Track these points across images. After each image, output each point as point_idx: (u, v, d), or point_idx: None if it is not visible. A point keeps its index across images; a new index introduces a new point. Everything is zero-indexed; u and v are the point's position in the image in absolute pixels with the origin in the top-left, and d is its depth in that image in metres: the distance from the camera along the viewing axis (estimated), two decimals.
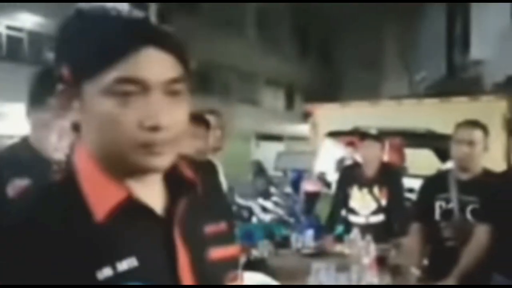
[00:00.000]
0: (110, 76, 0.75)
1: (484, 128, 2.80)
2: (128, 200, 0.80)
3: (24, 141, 1.93)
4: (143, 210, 0.81)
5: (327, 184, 7.07)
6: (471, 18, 11.67)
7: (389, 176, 3.96)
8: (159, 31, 0.78)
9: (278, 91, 26.03)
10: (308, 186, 6.44)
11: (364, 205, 3.89)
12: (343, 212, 4.03)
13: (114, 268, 0.77)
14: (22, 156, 1.89)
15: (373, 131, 4.01)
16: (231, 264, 0.91)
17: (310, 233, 3.73)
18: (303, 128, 14.04)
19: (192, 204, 0.87)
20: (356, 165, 4.15)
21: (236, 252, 0.94)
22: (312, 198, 6.15)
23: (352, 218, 3.91)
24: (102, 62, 0.76)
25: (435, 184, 3.00)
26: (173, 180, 0.87)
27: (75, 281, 0.75)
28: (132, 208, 0.80)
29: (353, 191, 3.93)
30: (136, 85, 0.76)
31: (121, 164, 0.80)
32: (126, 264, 0.78)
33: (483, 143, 2.78)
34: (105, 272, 0.76)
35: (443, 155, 5.92)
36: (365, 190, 3.89)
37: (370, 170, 3.89)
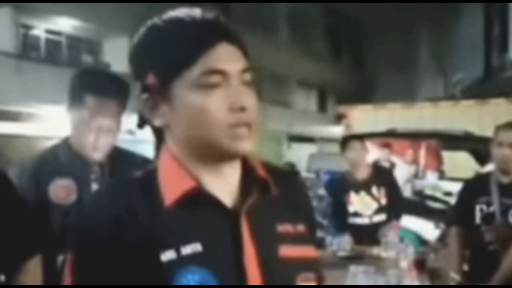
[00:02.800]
0: (196, 71, 0.86)
1: None
2: (197, 190, 0.87)
3: (65, 141, 1.97)
4: (212, 201, 0.88)
5: None
6: (509, 19, 11.39)
7: (384, 176, 4.04)
8: (229, 28, 0.90)
9: (311, 92, 25.93)
10: None
11: (365, 206, 3.91)
12: (345, 218, 4.00)
13: (178, 251, 0.83)
14: (63, 156, 1.93)
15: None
16: (304, 265, 0.93)
17: (346, 235, 3.69)
18: (335, 130, 13.95)
19: (265, 202, 0.92)
20: (347, 173, 4.14)
21: (310, 254, 0.96)
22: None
23: (357, 220, 3.91)
24: (186, 60, 0.86)
25: (475, 187, 2.95)
26: (248, 178, 0.93)
27: (141, 261, 0.83)
28: (201, 198, 0.87)
29: (350, 196, 3.94)
30: (220, 75, 0.86)
31: (208, 152, 0.88)
32: (190, 249, 0.84)
33: None
34: (169, 255, 0.83)
35: (481, 158, 5.80)
36: (362, 193, 3.92)
37: (361, 173, 3.93)
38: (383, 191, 3.91)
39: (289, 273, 0.90)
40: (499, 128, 2.80)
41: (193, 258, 0.83)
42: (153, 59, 0.89)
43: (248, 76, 0.89)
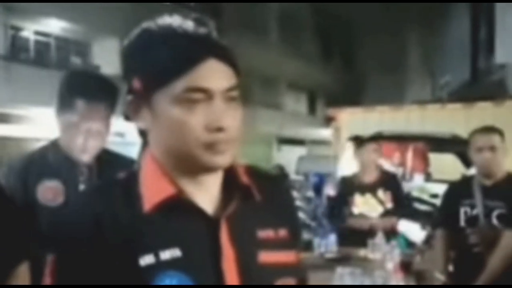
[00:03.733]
0: (179, 85, 0.86)
1: (500, 133, 2.81)
2: (177, 197, 0.89)
3: (54, 143, 1.97)
4: (191, 207, 0.89)
5: None
6: (496, 22, 11.49)
7: (390, 180, 4.06)
8: (219, 45, 0.88)
9: (300, 95, 25.96)
10: (331, 190, 6.41)
11: (370, 208, 3.94)
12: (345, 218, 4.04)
13: (157, 256, 0.84)
14: (51, 158, 1.93)
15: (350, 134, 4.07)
16: (283, 270, 0.94)
17: (333, 237, 3.72)
18: (325, 133, 13.98)
19: (246, 207, 0.94)
20: (354, 175, 4.19)
21: (290, 259, 0.96)
22: (334, 202, 6.12)
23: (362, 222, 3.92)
24: (172, 73, 0.86)
25: (459, 190, 2.99)
26: (230, 185, 0.94)
27: (120, 264, 0.84)
28: (182, 205, 0.89)
29: (355, 198, 3.97)
30: (202, 93, 0.86)
31: (187, 163, 0.89)
32: (169, 254, 0.85)
33: (502, 147, 2.78)
34: (148, 259, 0.84)
35: (468, 160, 5.85)
36: (368, 195, 3.95)
37: (369, 175, 3.94)
38: (389, 195, 3.93)
39: (268, 278, 0.91)
40: (476, 133, 2.84)
41: (171, 263, 0.84)
42: (140, 64, 0.89)
43: (234, 93, 0.90)
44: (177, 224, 0.88)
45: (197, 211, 0.89)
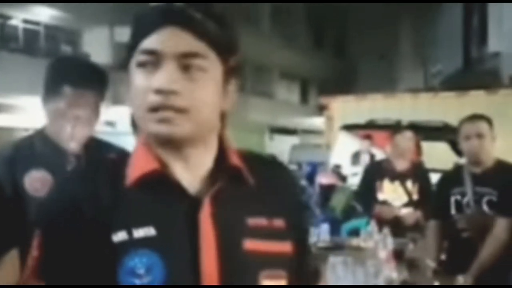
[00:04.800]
0: (138, 51, 0.88)
1: (488, 120, 2.83)
2: (158, 172, 0.87)
3: (41, 132, 1.93)
4: (173, 185, 0.87)
5: (342, 177, 7.05)
6: (489, 11, 11.50)
7: (420, 172, 4.04)
8: (186, 14, 0.87)
9: (293, 84, 25.95)
10: (323, 179, 6.40)
11: (396, 197, 3.92)
12: (369, 206, 4.04)
13: (130, 233, 0.84)
14: (38, 147, 1.89)
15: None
16: (272, 261, 0.90)
17: (325, 226, 3.72)
18: (317, 121, 13.99)
19: (237, 192, 0.91)
20: (385, 160, 4.19)
21: (284, 250, 0.92)
22: (327, 191, 6.12)
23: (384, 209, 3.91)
24: (134, 41, 0.89)
25: (450, 179, 3.01)
26: (219, 166, 0.92)
27: (95, 240, 0.84)
28: (162, 182, 0.87)
29: (384, 184, 3.95)
30: (152, 55, 0.86)
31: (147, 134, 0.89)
32: (142, 232, 0.84)
33: (490, 134, 2.80)
34: (120, 236, 0.83)
35: (459, 149, 5.87)
36: (397, 183, 3.93)
37: (402, 164, 3.91)
38: (417, 186, 3.91)
39: (252, 267, 0.87)
40: (464, 122, 2.87)
41: (144, 241, 0.83)
42: (128, 43, 0.92)
43: (196, 62, 0.87)
44: (156, 202, 0.86)
45: (178, 189, 0.87)
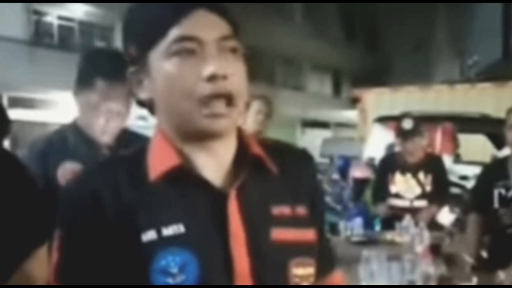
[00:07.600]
0: (170, 38, 0.83)
1: None
2: (182, 168, 0.84)
3: (72, 125, 1.93)
4: (198, 180, 0.85)
5: None
6: None
7: (434, 163, 3.98)
8: None
9: (325, 76, 25.76)
10: (357, 172, 6.32)
11: (408, 189, 3.89)
12: (385, 198, 4.00)
13: (159, 232, 0.81)
14: (71, 140, 1.89)
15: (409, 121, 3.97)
16: (299, 248, 0.89)
17: (359, 220, 3.66)
18: (350, 114, 13.86)
19: (260, 181, 0.89)
20: (398, 152, 4.15)
21: (307, 237, 0.91)
22: (360, 184, 6.04)
23: (397, 202, 3.89)
24: (160, 28, 0.83)
25: (493, 172, 2.92)
26: (242, 157, 0.89)
27: (122, 240, 0.82)
28: (187, 177, 0.84)
29: (396, 176, 3.92)
30: (193, 42, 0.83)
31: (186, 128, 0.85)
32: (172, 230, 0.81)
33: None
34: (150, 235, 0.81)
35: (498, 141, 5.70)
36: (408, 175, 3.90)
37: (414, 157, 3.88)
38: (430, 178, 3.87)
39: (281, 257, 0.86)
40: (511, 112, 2.76)
41: (174, 239, 0.81)
42: (133, 28, 0.88)
43: (231, 44, 0.85)
44: (182, 198, 0.84)
45: (204, 183, 0.84)
